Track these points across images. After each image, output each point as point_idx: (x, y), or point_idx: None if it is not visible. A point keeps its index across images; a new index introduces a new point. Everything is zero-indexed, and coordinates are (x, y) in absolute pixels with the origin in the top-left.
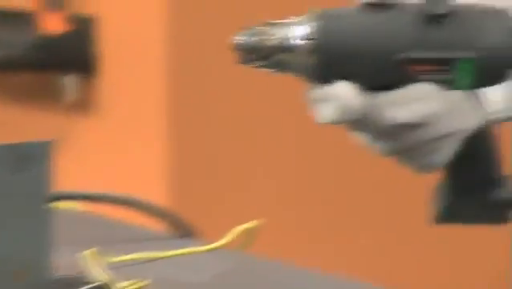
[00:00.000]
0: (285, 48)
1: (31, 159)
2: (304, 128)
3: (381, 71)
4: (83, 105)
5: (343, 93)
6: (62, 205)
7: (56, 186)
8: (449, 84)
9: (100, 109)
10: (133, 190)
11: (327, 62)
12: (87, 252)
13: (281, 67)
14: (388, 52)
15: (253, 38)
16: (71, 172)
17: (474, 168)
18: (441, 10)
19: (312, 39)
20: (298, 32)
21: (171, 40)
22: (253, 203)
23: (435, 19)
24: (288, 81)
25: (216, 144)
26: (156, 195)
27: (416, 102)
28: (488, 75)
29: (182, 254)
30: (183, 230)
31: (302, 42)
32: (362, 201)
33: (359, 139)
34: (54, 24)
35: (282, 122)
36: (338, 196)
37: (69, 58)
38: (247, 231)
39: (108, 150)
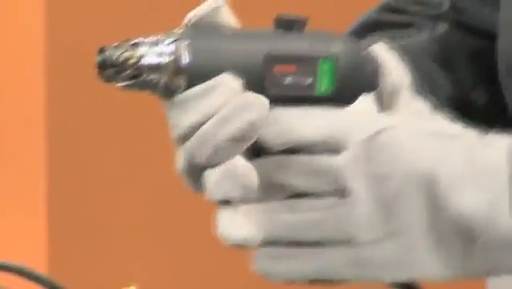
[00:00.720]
0: (151, 67)
1: None
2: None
3: (250, 80)
4: None
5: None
6: None
7: None
8: (311, 91)
9: None
10: (12, 256)
11: (196, 82)
12: None
13: (147, 86)
14: (253, 57)
15: (120, 55)
16: None
17: None
18: (300, 23)
19: (180, 58)
20: (165, 50)
21: (50, 107)
22: (131, 268)
23: (294, 27)
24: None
25: (96, 213)
26: (35, 261)
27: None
28: (348, 83)
29: None
30: None
31: (170, 61)
32: None
33: None
34: None
35: (158, 186)
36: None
37: None
38: None
39: None
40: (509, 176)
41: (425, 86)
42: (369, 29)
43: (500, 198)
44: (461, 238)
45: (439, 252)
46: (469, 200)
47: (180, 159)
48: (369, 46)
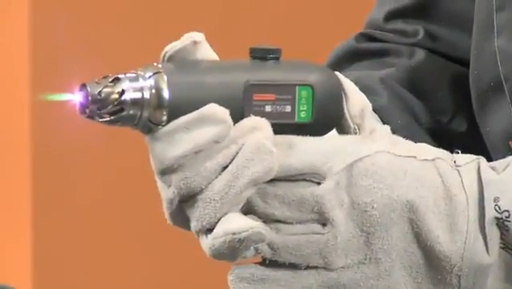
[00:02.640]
0: (132, 102)
1: None
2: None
3: (231, 110)
4: None
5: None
6: None
7: None
8: (291, 118)
9: None
10: None
11: (177, 115)
12: None
13: (128, 121)
14: (233, 87)
15: (101, 91)
16: None
17: None
18: (276, 52)
19: (160, 92)
20: (145, 85)
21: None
22: (122, 285)
23: (270, 56)
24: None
25: (82, 232)
26: (19, 281)
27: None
28: (326, 110)
29: None
30: None
31: (151, 95)
32: None
33: None
34: None
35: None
36: None
37: None
38: None
39: None
40: (477, 219)
41: (403, 116)
42: (348, 58)
43: (472, 239)
44: (436, 265)
45: (415, 278)
46: (443, 237)
47: (166, 190)
48: (354, 78)
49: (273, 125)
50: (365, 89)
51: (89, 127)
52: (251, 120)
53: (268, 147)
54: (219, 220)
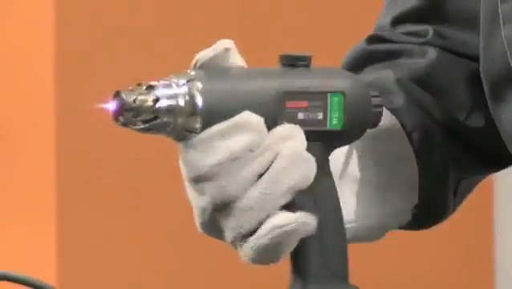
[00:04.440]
0: (167, 110)
1: None
2: None
3: (264, 118)
4: None
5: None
6: None
7: None
8: (323, 125)
9: None
10: (21, 268)
11: (211, 122)
12: None
13: (163, 129)
14: (265, 94)
15: (135, 99)
16: None
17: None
18: (306, 59)
19: (194, 100)
20: (179, 92)
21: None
22: (140, 280)
23: (300, 63)
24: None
25: (106, 227)
26: (44, 272)
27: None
28: (356, 117)
29: None
30: None
31: (185, 103)
32: None
33: None
34: None
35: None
36: None
37: None
38: None
39: None
40: None
41: (420, 116)
42: (360, 62)
43: None
44: None
45: None
46: None
47: (198, 198)
48: (370, 81)
49: (306, 132)
50: (381, 91)
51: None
52: (285, 128)
53: (304, 154)
54: (257, 228)
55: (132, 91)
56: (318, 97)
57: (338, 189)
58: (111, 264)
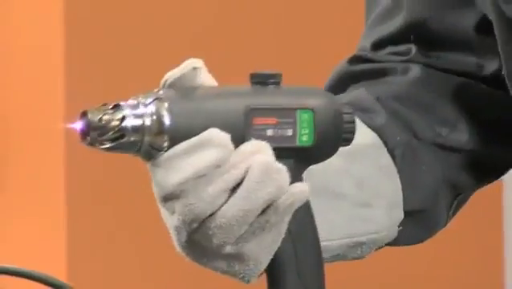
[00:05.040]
0: (133, 128)
1: None
2: None
3: (232, 135)
4: None
5: None
6: None
7: None
8: (292, 141)
9: None
10: (32, 263)
11: (179, 140)
12: None
13: (130, 148)
14: (233, 112)
15: (101, 118)
16: None
17: None
18: (276, 77)
19: (162, 118)
20: (146, 111)
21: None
22: (151, 276)
23: (270, 82)
24: None
25: (116, 223)
26: (55, 268)
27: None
28: (327, 135)
29: None
30: None
31: (152, 121)
32: None
33: None
34: None
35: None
36: None
37: None
38: None
39: (7, 223)
40: None
41: (402, 133)
42: (343, 82)
43: None
44: None
45: None
46: None
47: (170, 217)
48: (350, 100)
49: (275, 149)
50: (362, 109)
51: None
52: (252, 144)
53: (275, 166)
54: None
55: (98, 110)
56: (287, 114)
57: (316, 206)
58: (121, 260)
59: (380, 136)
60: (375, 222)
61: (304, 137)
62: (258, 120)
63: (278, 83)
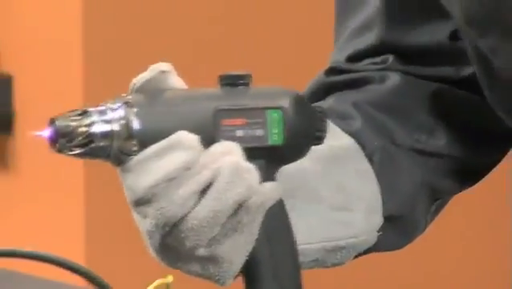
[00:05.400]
0: (102, 134)
1: None
2: None
3: (202, 137)
4: None
5: None
6: None
7: None
8: (263, 141)
9: (16, 167)
10: (50, 246)
11: (148, 144)
12: None
13: (99, 153)
14: (202, 114)
15: (69, 125)
16: None
17: None
18: (245, 78)
19: (130, 123)
20: (114, 117)
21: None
22: None
23: (240, 83)
24: None
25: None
26: (73, 251)
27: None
28: (297, 133)
29: None
30: (99, 286)
31: (120, 126)
32: None
33: None
34: None
35: None
36: None
37: None
38: (163, 286)
39: (25, 207)
40: None
41: (379, 138)
42: (320, 93)
43: None
44: None
45: None
46: None
47: (143, 222)
48: (327, 107)
49: (246, 149)
50: (338, 115)
51: None
52: (221, 145)
53: (244, 165)
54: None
55: (66, 117)
56: (256, 114)
57: (294, 209)
58: (140, 243)
59: (357, 140)
60: (354, 226)
61: (275, 136)
62: (227, 121)
63: (247, 84)
